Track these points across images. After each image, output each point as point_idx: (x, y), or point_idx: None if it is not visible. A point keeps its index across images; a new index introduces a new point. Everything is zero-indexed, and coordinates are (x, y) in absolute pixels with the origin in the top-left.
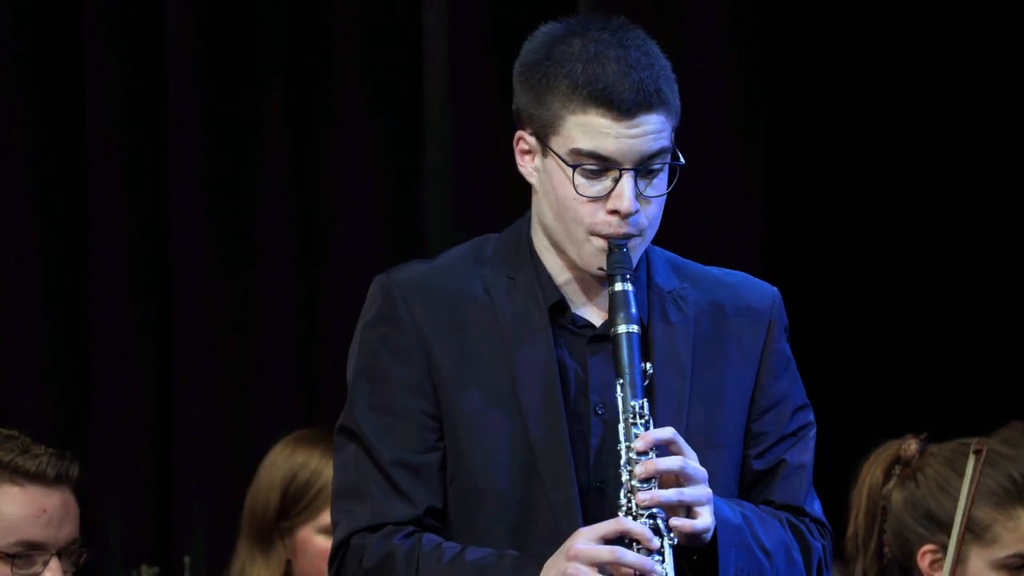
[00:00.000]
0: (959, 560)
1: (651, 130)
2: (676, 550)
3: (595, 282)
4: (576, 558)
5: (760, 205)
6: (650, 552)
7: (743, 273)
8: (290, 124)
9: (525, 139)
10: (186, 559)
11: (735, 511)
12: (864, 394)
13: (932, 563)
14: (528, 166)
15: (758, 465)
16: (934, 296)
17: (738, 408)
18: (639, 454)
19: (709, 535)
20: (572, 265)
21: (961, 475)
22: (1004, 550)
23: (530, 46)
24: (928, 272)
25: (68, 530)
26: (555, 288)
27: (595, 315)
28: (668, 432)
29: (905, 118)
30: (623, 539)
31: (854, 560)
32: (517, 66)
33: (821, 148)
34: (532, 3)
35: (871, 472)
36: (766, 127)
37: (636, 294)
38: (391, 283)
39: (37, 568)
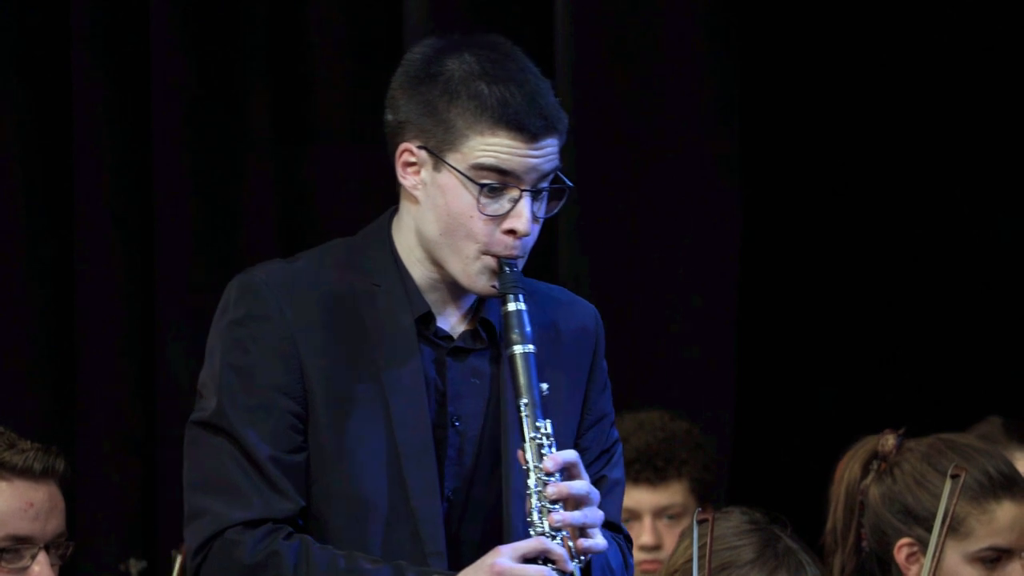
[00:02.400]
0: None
1: (551, 152)
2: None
3: (457, 296)
4: (501, 573)
5: (738, 211)
6: (563, 574)
7: (566, 290)
8: (273, 128)
9: (413, 152)
10: (173, 553)
11: None
12: (843, 391)
13: (908, 556)
14: (412, 179)
15: None
16: (912, 298)
17: (572, 422)
18: (547, 475)
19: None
20: (441, 279)
21: (937, 470)
22: (978, 543)
23: (414, 59)
24: (904, 275)
25: (55, 523)
26: (422, 300)
27: (454, 327)
28: (572, 455)
29: (878, 122)
30: (539, 559)
31: (832, 554)
32: (400, 79)
33: (798, 154)
34: (509, 22)
35: (849, 467)
36: (743, 131)
37: (491, 305)
38: (258, 282)
39: (25, 561)
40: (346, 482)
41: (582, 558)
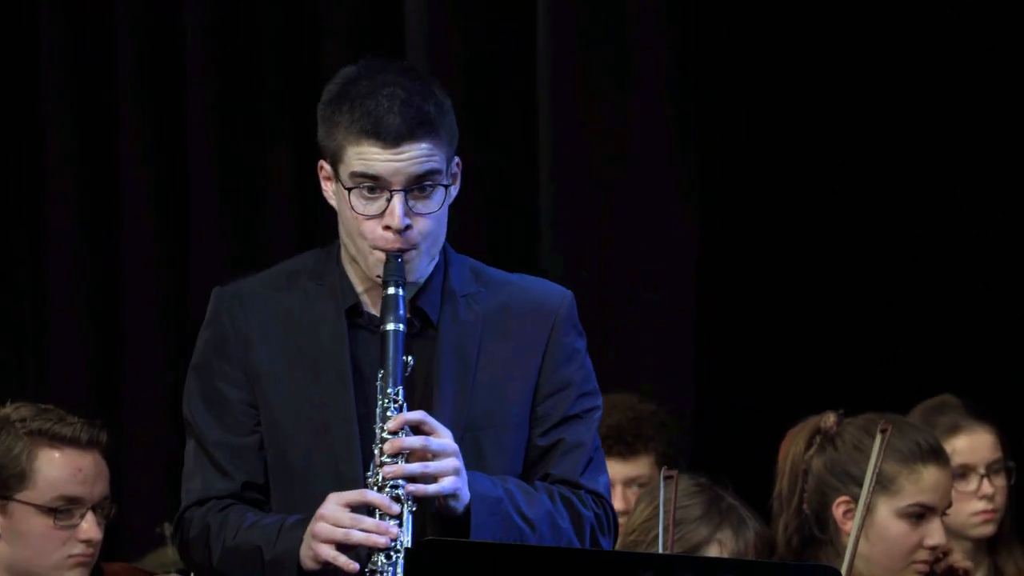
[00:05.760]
0: (868, 511)
1: (416, 155)
2: (443, 523)
3: None
4: (322, 519)
5: (696, 214)
6: (391, 518)
7: (541, 279)
8: (293, 147)
9: (324, 167)
10: None
11: (496, 485)
12: (789, 378)
13: (845, 512)
14: (328, 190)
15: (541, 442)
16: (856, 296)
17: (522, 395)
18: (391, 433)
19: (461, 505)
20: (368, 275)
21: (874, 438)
22: (906, 499)
23: (329, 87)
24: (847, 277)
25: (101, 487)
26: (354, 293)
27: None
28: (418, 414)
29: (826, 130)
30: (369, 509)
31: (778, 516)
32: (320, 105)
33: (750, 156)
34: (498, 41)
35: (795, 442)
36: (700, 141)
37: (430, 294)
38: (220, 292)
39: (75, 520)
40: (280, 455)
41: (412, 503)
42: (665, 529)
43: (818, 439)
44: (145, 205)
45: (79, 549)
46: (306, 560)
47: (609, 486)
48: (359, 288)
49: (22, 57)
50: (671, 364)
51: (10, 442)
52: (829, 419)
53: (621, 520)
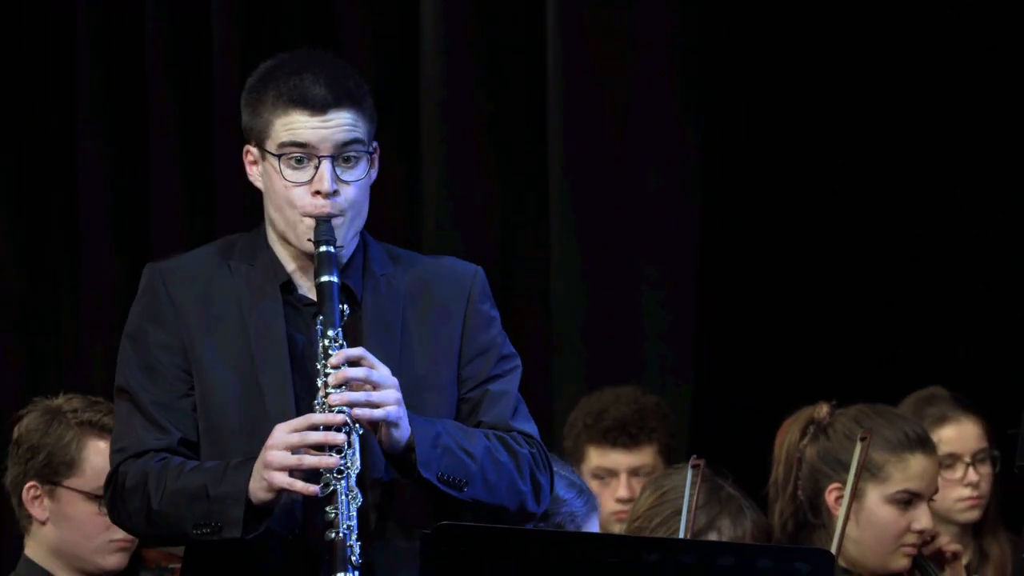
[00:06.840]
0: (857, 496)
1: (342, 123)
2: (390, 461)
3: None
4: (272, 446)
5: (697, 211)
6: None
7: (451, 256)
8: None
9: (250, 151)
10: None
11: (432, 422)
12: (786, 371)
13: (837, 499)
14: (255, 173)
15: (469, 395)
16: (851, 293)
17: (447, 357)
18: (333, 367)
19: (403, 437)
20: (296, 255)
21: (864, 428)
22: (894, 486)
23: (250, 79)
24: (843, 274)
25: None
26: (285, 272)
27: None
28: (358, 350)
29: (826, 129)
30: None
31: (774, 502)
32: (242, 95)
33: (751, 155)
34: (509, 47)
35: (790, 431)
36: (702, 140)
37: (352, 275)
38: (153, 267)
39: None
40: (219, 417)
41: (359, 428)
42: (689, 512)
43: (811, 429)
44: (175, 195)
45: (121, 535)
46: (258, 492)
47: (538, 432)
48: (289, 267)
49: (55, 40)
50: (672, 358)
51: (61, 431)
52: (822, 410)
53: (628, 507)
